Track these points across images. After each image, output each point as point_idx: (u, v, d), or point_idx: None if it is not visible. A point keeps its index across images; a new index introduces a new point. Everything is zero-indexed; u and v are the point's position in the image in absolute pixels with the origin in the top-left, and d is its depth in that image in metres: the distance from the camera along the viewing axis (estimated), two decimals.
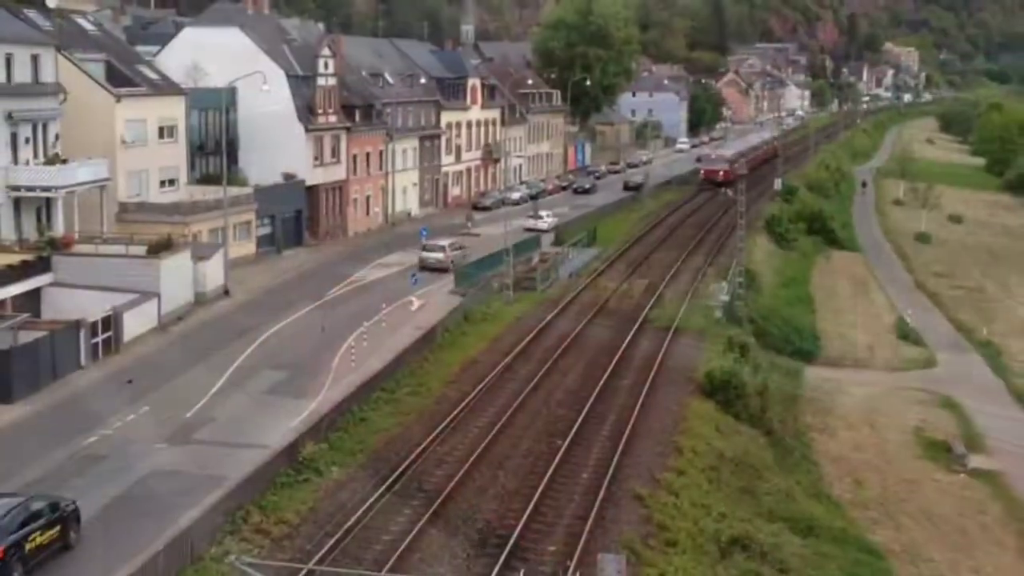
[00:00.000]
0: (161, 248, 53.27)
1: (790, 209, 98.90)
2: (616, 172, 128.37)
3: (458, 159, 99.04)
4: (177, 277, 53.62)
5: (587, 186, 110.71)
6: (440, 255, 66.11)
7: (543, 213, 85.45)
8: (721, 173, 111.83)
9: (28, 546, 26.49)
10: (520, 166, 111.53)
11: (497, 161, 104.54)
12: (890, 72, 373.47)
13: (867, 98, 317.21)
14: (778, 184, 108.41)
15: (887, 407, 54.79)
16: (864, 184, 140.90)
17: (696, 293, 62.97)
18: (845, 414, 53.16)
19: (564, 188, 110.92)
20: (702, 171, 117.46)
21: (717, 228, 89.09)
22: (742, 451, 41.43)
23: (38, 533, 26.94)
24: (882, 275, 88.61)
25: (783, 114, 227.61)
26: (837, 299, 77.83)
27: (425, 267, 64.93)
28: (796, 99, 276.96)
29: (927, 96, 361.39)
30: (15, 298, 48.13)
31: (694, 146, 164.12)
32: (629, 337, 52.28)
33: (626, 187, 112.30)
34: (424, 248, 67.06)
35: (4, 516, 26.37)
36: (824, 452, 47.73)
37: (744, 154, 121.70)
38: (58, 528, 27.82)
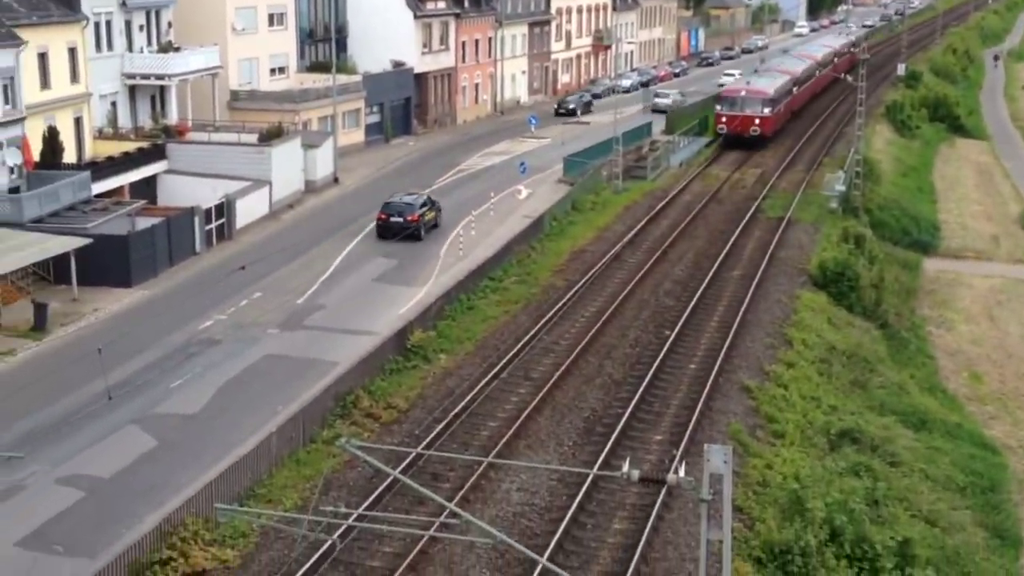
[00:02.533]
0: (272, 136, 53.78)
1: (913, 95, 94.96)
2: (730, 58, 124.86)
3: (568, 46, 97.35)
4: (288, 165, 54.17)
5: (570, 106, 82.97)
6: (668, 100, 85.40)
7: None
8: (757, 121, 70.02)
9: (424, 218, 48.62)
10: (631, 52, 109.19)
11: (608, 47, 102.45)
12: None
13: None
14: (901, 69, 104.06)
15: (1009, 300, 52.93)
16: (996, 58, 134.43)
17: (811, 183, 61.27)
18: (964, 307, 51.55)
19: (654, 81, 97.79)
20: (722, 119, 71.45)
21: (835, 116, 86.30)
22: (855, 344, 40.58)
23: (427, 211, 49.28)
24: (1009, 164, 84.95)
25: None
26: (960, 189, 74.94)
27: (656, 110, 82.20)
28: None
29: None
30: (132, 185, 49.26)
31: (813, 30, 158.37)
32: (740, 227, 51.24)
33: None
34: (655, 95, 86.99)
35: (417, 199, 49.71)
36: (941, 345, 46.48)
37: (801, 79, 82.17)
38: (435, 214, 50.06)
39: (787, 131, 78.23)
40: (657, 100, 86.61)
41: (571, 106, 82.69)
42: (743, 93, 71.29)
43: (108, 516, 24.57)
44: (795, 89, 79.84)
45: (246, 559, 23.20)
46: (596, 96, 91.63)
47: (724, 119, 71.16)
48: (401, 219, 47.91)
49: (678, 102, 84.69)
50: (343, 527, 22.53)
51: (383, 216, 48.43)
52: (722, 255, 46.40)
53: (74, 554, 23.09)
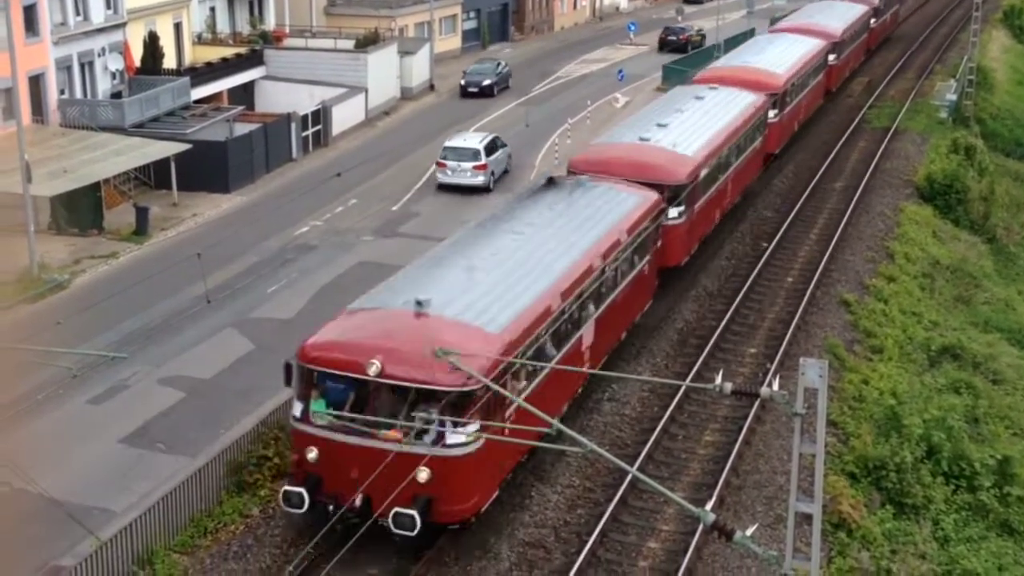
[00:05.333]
0: (368, 42, 53.67)
1: None
2: None
3: None
4: (384, 72, 54.02)
5: (484, 82, 57.84)
6: None
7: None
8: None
9: (691, 39, 68.58)
10: None
11: None
12: None
13: None
14: None
15: None
16: None
17: (920, 92, 59.23)
18: None
19: None
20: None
21: (948, 21, 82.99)
22: (960, 258, 39.43)
23: (693, 35, 68.80)
24: None
25: None
26: None
27: None
28: None
29: None
30: (230, 91, 49.63)
31: None
32: (844, 138, 49.86)
33: None
34: None
35: (689, 26, 69.31)
36: None
37: (849, 43, 56.83)
38: (700, 38, 68.35)
39: (897, 37, 75.21)
40: None
41: (485, 82, 57.98)
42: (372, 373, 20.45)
43: (208, 416, 25.15)
44: (841, 50, 51.95)
45: None
46: None
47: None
48: (675, 38, 69.59)
49: None
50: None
51: (663, 36, 70.41)
52: (824, 166, 45.28)
53: (175, 452, 23.72)
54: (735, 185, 37.03)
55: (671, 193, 30.02)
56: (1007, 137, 58.25)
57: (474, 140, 42.81)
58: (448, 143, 42.73)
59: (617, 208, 27.20)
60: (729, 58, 48.55)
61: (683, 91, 40.55)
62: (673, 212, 30.16)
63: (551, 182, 28.59)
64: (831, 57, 53.54)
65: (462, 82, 58.41)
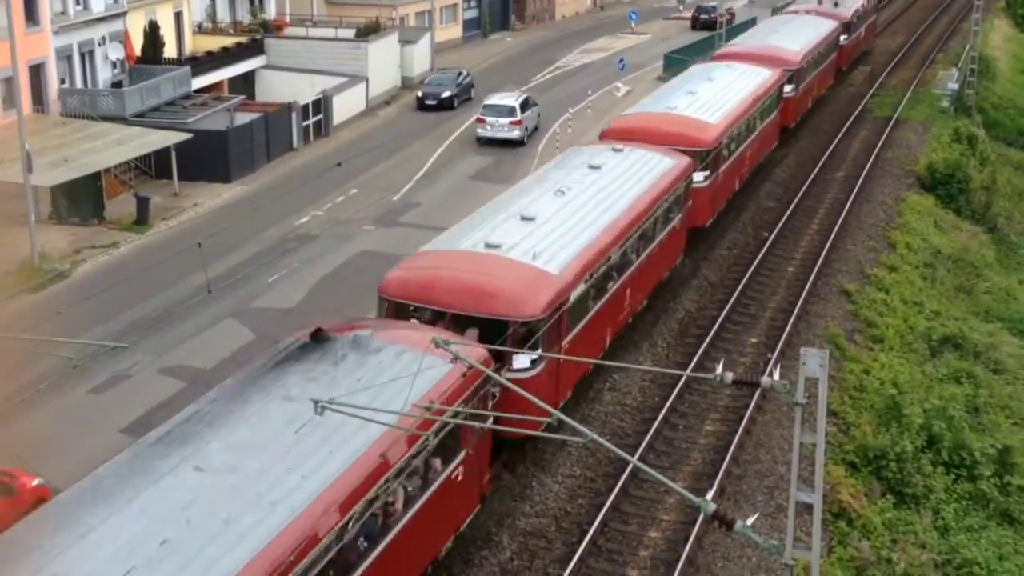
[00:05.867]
0: (369, 32, 53.61)
1: None
2: None
3: None
4: (385, 61, 53.93)
5: (444, 94, 52.78)
6: None
7: None
8: None
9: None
10: None
11: None
12: None
13: None
14: None
15: None
16: None
17: (923, 81, 59.14)
18: None
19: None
20: None
21: (951, 10, 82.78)
22: (961, 248, 39.41)
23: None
24: None
25: None
26: None
27: None
28: None
29: None
30: (231, 80, 49.60)
31: None
32: (846, 127, 49.78)
33: None
34: None
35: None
36: None
37: (810, 69, 48.51)
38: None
39: (899, 26, 75.09)
40: None
41: (444, 93, 52.76)
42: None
43: None
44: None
45: None
46: None
47: None
48: (707, 16, 72.95)
49: None
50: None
51: (695, 15, 75.51)
52: (825, 156, 45.23)
53: None
54: (636, 292, 26.85)
55: (520, 333, 20.46)
56: (1009, 126, 58.19)
57: (510, 98, 47.79)
58: (487, 101, 47.63)
59: (403, 392, 16.01)
60: (652, 101, 37.47)
61: (578, 157, 29.43)
62: (523, 361, 20.50)
63: (316, 338, 17.77)
64: (787, 88, 43.97)
65: (419, 94, 53.07)
